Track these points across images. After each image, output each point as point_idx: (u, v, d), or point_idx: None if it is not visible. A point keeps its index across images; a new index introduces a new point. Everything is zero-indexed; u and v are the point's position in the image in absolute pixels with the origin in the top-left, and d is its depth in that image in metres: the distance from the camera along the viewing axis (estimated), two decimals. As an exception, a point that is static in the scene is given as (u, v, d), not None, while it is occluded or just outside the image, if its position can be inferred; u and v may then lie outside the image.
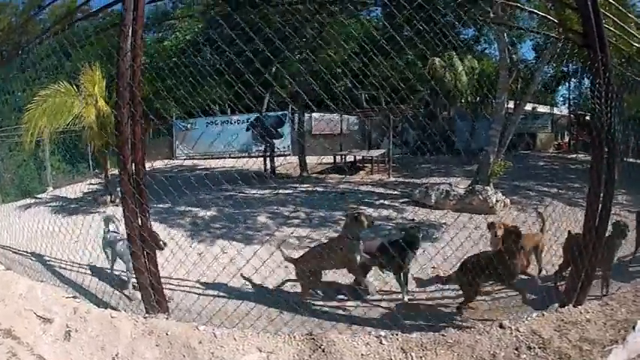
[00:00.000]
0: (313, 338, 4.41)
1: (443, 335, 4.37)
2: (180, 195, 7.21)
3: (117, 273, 7.50)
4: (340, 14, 21.56)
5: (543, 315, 4.79)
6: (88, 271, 8.02)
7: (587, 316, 4.76)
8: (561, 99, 42.55)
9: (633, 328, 4.39)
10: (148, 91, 16.56)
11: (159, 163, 25.68)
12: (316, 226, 11.12)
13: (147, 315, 4.93)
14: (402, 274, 6.80)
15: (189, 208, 12.88)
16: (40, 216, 9.15)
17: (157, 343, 4.29)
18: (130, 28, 4.88)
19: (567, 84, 38.15)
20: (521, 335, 4.31)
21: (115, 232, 7.74)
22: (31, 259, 8.73)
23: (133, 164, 4.97)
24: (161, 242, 6.02)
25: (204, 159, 28.26)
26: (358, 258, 6.41)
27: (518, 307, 5.98)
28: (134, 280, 6.03)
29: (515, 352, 4.11)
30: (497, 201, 12.91)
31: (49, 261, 8.59)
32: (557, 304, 5.22)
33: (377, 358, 4.16)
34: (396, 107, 19.83)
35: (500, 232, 7.07)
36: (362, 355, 4.20)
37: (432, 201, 13.47)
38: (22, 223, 9.74)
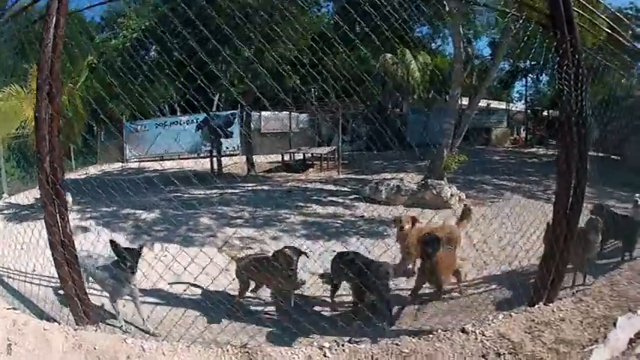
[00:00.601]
0: (248, 352, 3.88)
1: (397, 344, 3.76)
2: (125, 198, 6.59)
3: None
4: (289, 8, 21.27)
5: (511, 316, 4.30)
6: (34, 280, 7.31)
7: (560, 314, 4.32)
8: (517, 95, 43.32)
9: (614, 324, 4.01)
10: (99, 90, 16.18)
11: (107, 167, 25.27)
12: (260, 226, 10.73)
13: (77, 327, 4.46)
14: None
15: (133, 211, 12.28)
16: None
17: (86, 357, 3.83)
18: (54, 18, 4.49)
19: (524, 79, 38.82)
20: (488, 340, 3.76)
21: (84, 251, 7.00)
22: None
23: (50, 163, 4.52)
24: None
25: (155, 161, 27.40)
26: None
27: (482, 308, 5.49)
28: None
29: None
30: (451, 195, 12.56)
31: None
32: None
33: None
34: (346, 103, 19.55)
35: (407, 227, 6.98)
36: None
37: (383, 197, 13.03)
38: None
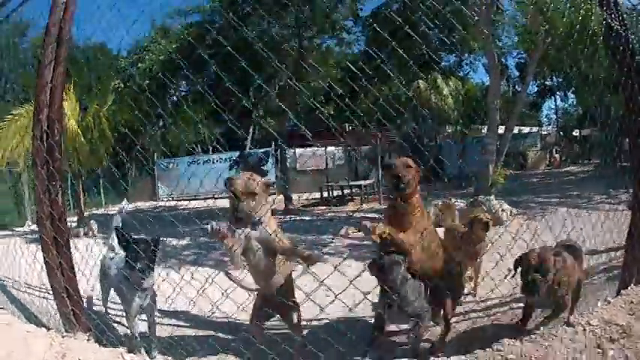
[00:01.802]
0: None
1: (499, 351, 3.33)
2: (155, 228, 6.36)
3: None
4: (318, 41, 21.24)
5: (609, 302, 3.97)
6: (41, 294, 7.23)
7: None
8: (546, 119, 43.49)
9: None
10: (128, 120, 16.13)
11: (141, 204, 25.23)
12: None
13: (65, 334, 4.07)
14: None
15: (162, 238, 11.98)
16: (12, 245, 8.51)
17: None
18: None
19: (552, 98, 38.96)
20: (597, 329, 3.39)
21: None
22: None
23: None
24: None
25: (188, 199, 27.36)
26: None
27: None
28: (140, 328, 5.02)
29: (599, 350, 3.18)
30: (502, 210, 12.31)
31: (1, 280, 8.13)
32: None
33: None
34: (383, 133, 19.38)
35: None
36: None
37: (432, 218, 12.65)
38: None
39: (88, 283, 5.63)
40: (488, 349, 3.39)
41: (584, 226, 6.42)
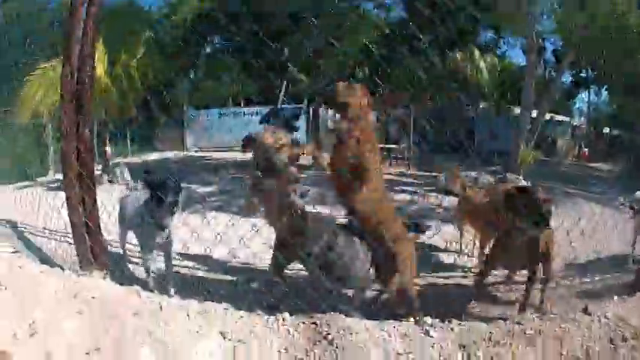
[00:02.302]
0: (314, 323, 3.14)
1: (519, 324, 3.22)
2: (183, 176, 6.38)
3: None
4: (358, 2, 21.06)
5: (624, 300, 3.90)
6: (61, 238, 7.33)
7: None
8: (578, 112, 43.18)
9: None
10: (159, 70, 16.10)
11: (169, 154, 25.34)
12: (331, 205, 10.39)
13: (80, 273, 4.00)
14: None
15: (188, 185, 12.03)
16: (35, 194, 8.59)
17: (80, 309, 3.14)
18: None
19: (587, 91, 38.54)
20: (611, 323, 3.28)
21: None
22: (3, 226, 8.25)
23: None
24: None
25: (217, 151, 27.22)
26: None
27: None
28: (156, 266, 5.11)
29: (611, 345, 3.10)
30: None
31: (19, 227, 8.24)
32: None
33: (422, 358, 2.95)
34: (420, 98, 19.31)
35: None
36: (397, 354, 2.94)
37: (443, 182, 12.66)
38: (11, 199, 9.16)
39: (106, 229, 5.41)
40: (509, 322, 3.33)
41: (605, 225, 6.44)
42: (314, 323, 3.12)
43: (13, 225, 8.34)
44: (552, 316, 3.42)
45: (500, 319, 3.50)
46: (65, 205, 4.30)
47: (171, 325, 3.05)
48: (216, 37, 23.95)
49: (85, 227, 4.23)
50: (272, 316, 3.23)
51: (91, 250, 4.24)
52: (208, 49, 24.19)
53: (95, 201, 4.32)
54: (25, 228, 8.21)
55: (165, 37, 21.13)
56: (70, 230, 4.52)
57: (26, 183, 14.58)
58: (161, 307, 3.22)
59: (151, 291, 4.17)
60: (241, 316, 3.22)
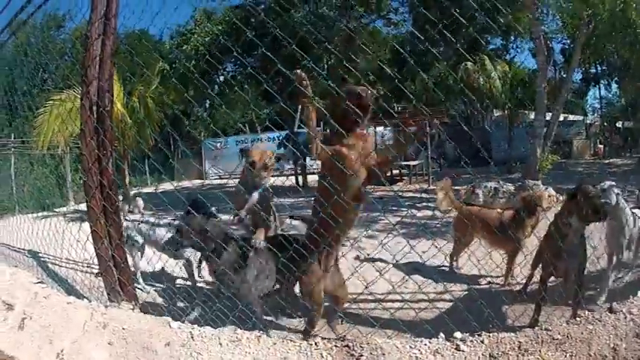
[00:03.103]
0: (347, 346, 3.15)
1: (547, 330, 3.27)
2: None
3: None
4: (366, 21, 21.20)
5: (646, 295, 3.89)
6: (77, 265, 7.71)
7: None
8: (590, 109, 42.91)
9: None
10: (174, 101, 16.25)
11: (186, 183, 25.48)
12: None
13: (109, 304, 3.99)
14: None
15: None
16: (56, 225, 8.67)
17: (110, 340, 3.16)
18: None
19: (597, 86, 38.34)
20: (637, 318, 3.33)
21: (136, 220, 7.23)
22: (25, 256, 8.43)
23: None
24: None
25: (236, 178, 27.11)
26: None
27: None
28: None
29: (638, 340, 3.14)
30: (549, 196, 12.11)
31: (42, 257, 8.36)
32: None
33: (455, 372, 2.99)
34: (435, 114, 19.32)
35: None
36: (430, 369, 2.97)
37: (480, 200, 12.62)
38: (32, 229, 9.28)
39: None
40: (537, 328, 3.39)
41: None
42: (346, 346, 3.15)
43: (35, 255, 8.45)
44: (578, 319, 3.48)
45: (526, 326, 3.62)
46: (90, 238, 4.37)
47: (204, 354, 3.08)
48: (229, 65, 24.15)
49: (112, 260, 4.29)
50: (304, 342, 3.27)
51: (119, 283, 4.29)
52: (222, 77, 24.42)
53: (121, 234, 4.40)
54: (47, 258, 8.35)
55: (179, 66, 21.35)
56: (95, 261, 4.65)
57: (45, 213, 14.72)
58: (192, 337, 3.25)
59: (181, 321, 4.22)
60: (274, 343, 3.23)
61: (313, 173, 24.23)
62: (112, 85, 4.35)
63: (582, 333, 3.23)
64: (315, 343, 3.21)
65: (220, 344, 3.16)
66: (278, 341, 3.26)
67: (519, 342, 3.17)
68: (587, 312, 3.67)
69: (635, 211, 6.30)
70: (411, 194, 16.32)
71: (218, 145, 29.41)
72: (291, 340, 3.29)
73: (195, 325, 3.47)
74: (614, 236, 6.05)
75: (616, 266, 6.04)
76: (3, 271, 4.27)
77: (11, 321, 3.26)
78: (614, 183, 5.95)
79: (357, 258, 7.61)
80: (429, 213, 11.98)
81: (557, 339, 3.18)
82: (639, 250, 6.34)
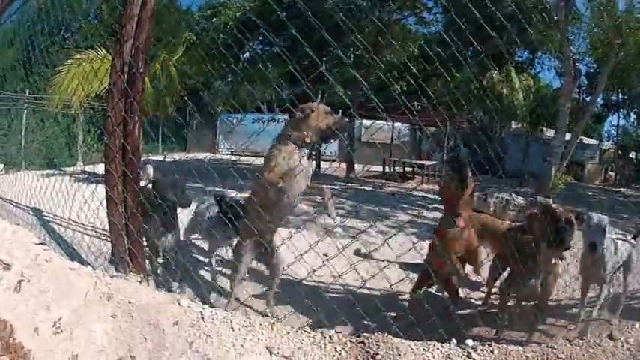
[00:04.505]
0: (363, 341, 3.11)
1: (552, 348, 3.33)
2: (215, 178, 6.54)
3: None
4: (398, 16, 21.14)
5: (645, 324, 3.95)
6: (85, 230, 7.55)
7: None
8: (606, 135, 42.83)
9: None
10: (197, 72, 16.23)
11: (198, 155, 25.48)
12: (364, 219, 10.62)
13: (115, 274, 3.80)
14: None
15: (222, 190, 12.20)
16: (63, 184, 8.57)
17: (114, 313, 3.02)
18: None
19: (615, 113, 38.15)
20: (632, 348, 3.40)
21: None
22: (29, 214, 8.38)
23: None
24: None
25: (248, 156, 27.11)
26: None
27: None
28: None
29: None
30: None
31: (46, 216, 8.29)
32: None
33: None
34: (455, 118, 19.28)
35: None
36: (442, 374, 2.98)
37: (490, 210, 12.57)
38: (37, 186, 9.22)
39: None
40: (543, 345, 3.45)
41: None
42: (362, 342, 3.11)
43: (39, 214, 8.34)
44: (580, 341, 3.53)
45: (535, 342, 3.68)
46: (104, 203, 4.31)
47: (214, 338, 2.98)
48: (256, 43, 24.11)
49: (124, 229, 4.18)
50: (319, 333, 3.21)
51: (129, 253, 4.17)
52: (247, 54, 24.38)
53: (139, 204, 4.30)
54: (52, 219, 8.20)
55: (205, 38, 21.30)
56: (105, 227, 4.63)
57: (52, 171, 14.63)
58: (203, 317, 3.15)
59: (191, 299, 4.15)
60: (288, 332, 3.16)
61: (328, 161, 24.31)
62: (147, 47, 4.29)
63: (584, 355, 3.29)
64: (330, 337, 3.17)
65: (232, 328, 3.09)
66: (292, 330, 3.22)
67: (526, 356, 3.23)
68: (589, 336, 3.72)
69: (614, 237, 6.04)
70: (422, 194, 16.25)
71: (234, 120, 29.48)
72: (305, 331, 3.24)
73: (207, 305, 3.42)
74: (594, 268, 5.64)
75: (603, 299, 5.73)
76: (5, 228, 3.91)
77: (7, 281, 3.08)
78: (605, 217, 5.73)
79: (357, 252, 7.71)
80: (439, 215, 12.01)
81: (560, 357, 3.25)
82: (627, 278, 6.15)
